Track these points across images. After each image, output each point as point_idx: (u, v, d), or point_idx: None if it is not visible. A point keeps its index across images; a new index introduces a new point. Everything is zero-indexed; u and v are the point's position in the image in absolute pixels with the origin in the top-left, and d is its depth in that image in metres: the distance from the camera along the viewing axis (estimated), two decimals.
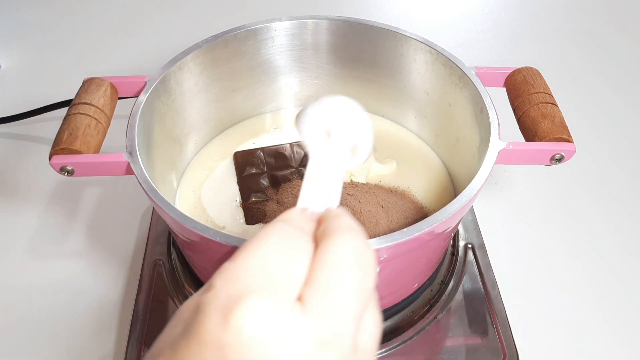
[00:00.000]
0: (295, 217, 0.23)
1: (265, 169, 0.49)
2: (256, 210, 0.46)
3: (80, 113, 0.38)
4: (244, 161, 0.50)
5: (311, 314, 0.19)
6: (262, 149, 0.51)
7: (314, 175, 0.25)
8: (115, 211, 0.56)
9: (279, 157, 0.50)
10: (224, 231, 0.42)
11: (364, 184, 0.47)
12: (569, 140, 0.38)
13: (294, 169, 0.49)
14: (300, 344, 0.18)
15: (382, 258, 0.33)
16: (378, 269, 0.22)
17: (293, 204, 0.44)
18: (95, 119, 0.38)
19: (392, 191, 0.46)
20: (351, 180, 0.47)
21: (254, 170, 0.49)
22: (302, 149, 0.50)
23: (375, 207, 0.43)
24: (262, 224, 0.44)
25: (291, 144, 0.51)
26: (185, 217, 0.33)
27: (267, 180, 0.48)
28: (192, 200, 0.47)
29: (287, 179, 0.48)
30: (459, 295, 0.45)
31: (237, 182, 0.49)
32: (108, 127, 0.40)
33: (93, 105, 0.39)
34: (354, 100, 0.28)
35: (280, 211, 0.44)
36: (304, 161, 0.49)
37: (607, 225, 0.55)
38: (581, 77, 0.74)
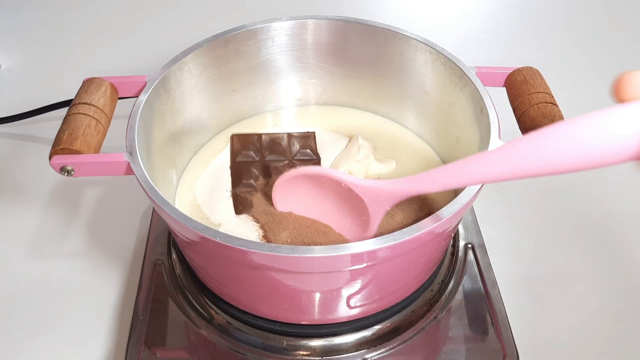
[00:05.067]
0: None
1: (258, 157, 0.49)
2: (244, 199, 0.45)
3: (80, 113, 0.38)
4: (240, 145, 0.50)
5: None
6: (260, 135, 0.50)
7: None
8: (115, 211, 0.56)
9: (274, 146, 0.50)
10: (220, 228, 0.43)
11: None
12: None
13: (287, 161, 0.49)
14: None
15: (382, 257, 0.33)
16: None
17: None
18: (95, 119, 0.38)
19: None
20: None
21: (248, 157, 0.49)
22: (299, 142, 0.50)
23: None
24: (249, 215, 0.44)
25: (289, 135, 0.51)
26: (185, 217, 0.33)
27: (258, 169, 0.48)
28: (190, 199, 0.47)
29: (278, 171, 0.47)
30: (459, 295, 0.45)
31: (230, 167, 0.48)
32: (108, 127, 0.40)
33: (93, 105, 0.39)
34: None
35: (268, 203, 0.44)
36: (298, 154, 0.49)
37: (607, 225, 0.55)
38: (581, 77, 0.74)
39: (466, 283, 0.46)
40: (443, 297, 0.45)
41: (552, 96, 0.41)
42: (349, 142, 0.51)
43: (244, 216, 0.44)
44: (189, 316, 0.44)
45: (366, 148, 0.48)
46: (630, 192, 0.59)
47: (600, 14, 0.86)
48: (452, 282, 0.46)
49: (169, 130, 0.46)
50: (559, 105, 0.40)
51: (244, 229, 0.44)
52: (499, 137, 0.38)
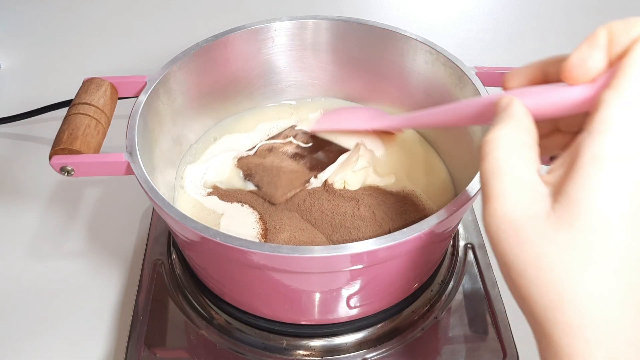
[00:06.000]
0: None
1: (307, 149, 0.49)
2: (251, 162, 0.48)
3: (80, 113, 0.38)
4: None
5: None
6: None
7: None
8: (115, 211, 0.56)
9: (319, 146, 0.49)
10: (222, 218, 0.43)
11: (365, 186, 0.46)
12: None
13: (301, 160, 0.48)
14: None
15: (382, 258, 0.33)
16: None
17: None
18: (95, 119, 0.38)
19: (392, 193, 0.46)
20: (344, 188, 0.46)
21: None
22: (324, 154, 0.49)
23: (375, 208, 0.43)
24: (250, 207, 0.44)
25: (329, 150, 0.49)
26: (185, 217, 0.33)
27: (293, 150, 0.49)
28: (191, 198, 0.47)
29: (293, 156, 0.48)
30: (459, 295, 0.45)
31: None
32: (108, 127, 0.40)
33: (93, 105, 0.39)
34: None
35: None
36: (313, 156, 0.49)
37: None
38: None
39: (466, 283, 0.46)
40: (443, 297, 0.45)
41: None
42: (352, 149, 0.49)
43: (246, 208, 0.44)
44: (189, 316, 0.44)
45: (365, 159, 0.47)
46: None
47: (600, 14, 0.86)
48: (452, 282, 0.46)
49: (169, 130, 0.46)
50: None
51: (244, 217, 0.44)
52: None
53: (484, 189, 0.23)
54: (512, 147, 0.23)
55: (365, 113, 0.49)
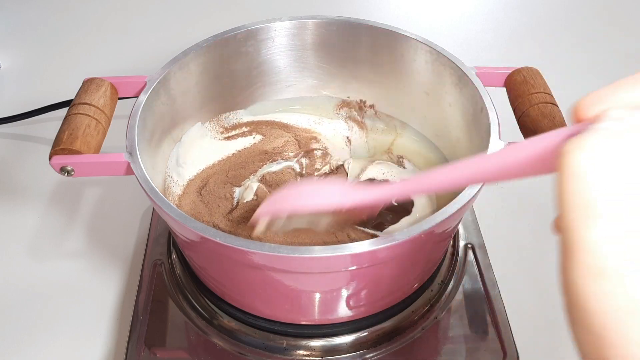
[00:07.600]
0: None
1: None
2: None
3: (80, 113, 0.38)
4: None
5: None
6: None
7: None
8: (115, 211, 0.56)
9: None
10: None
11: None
12: None
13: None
14: None
15: (382, 257, 0.33)
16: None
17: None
18: (95, 119, 0.38)
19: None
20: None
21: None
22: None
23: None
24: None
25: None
26: (186, 217, 0.33)
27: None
28: (191, 198, 0.47)
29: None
30: (459, 295, 0.45)
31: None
32: (108, 127, 0.40)
33: (93, 106, 0.39)
34: None
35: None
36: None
37: None
38: (581, 77, 0.74)
39: (466, 283, 0.46)
40: (443, 297, 0.45)
41: (552, 96, 0.41)
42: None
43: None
44: (189, 316, 0.44)
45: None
46: None
47: (600, 14, 0.86)
48: (452, 282, 0.46)
49: (169, 131, 0.46)
50: (558, 105, 0.40)
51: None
52: (499, 137, 0.38)
53: (568, 235, 0.19)
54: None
55: (331, 189, 0.35)
